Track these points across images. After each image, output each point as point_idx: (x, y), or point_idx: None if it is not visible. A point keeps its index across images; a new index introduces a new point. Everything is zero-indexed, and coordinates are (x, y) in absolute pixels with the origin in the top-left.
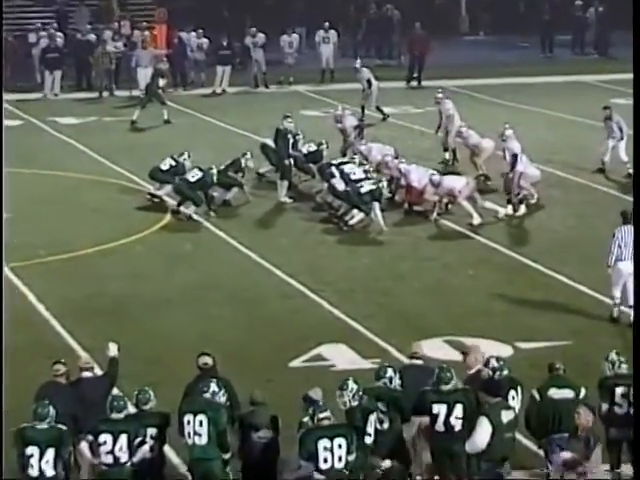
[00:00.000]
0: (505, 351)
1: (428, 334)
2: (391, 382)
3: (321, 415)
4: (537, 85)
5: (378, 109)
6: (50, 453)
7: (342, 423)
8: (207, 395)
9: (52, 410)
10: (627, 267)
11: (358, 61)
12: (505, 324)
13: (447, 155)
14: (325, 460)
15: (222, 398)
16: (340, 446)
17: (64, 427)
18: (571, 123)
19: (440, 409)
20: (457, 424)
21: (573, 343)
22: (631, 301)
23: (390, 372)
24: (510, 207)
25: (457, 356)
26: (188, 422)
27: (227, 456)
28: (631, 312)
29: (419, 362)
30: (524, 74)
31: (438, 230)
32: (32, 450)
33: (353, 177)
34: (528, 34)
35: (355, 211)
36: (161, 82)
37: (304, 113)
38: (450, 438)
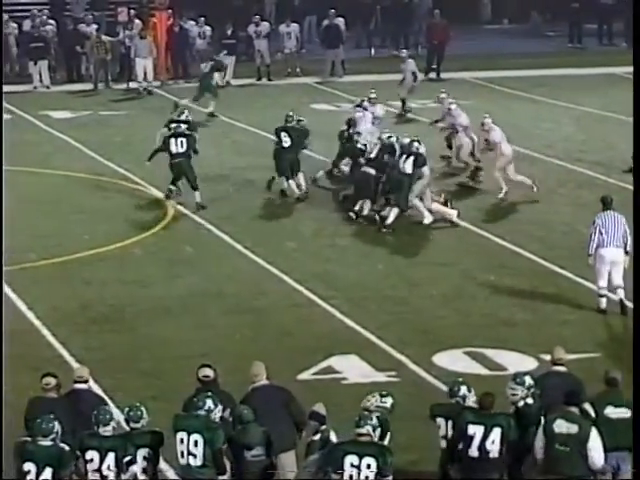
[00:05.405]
0: (529, 364)
1: (446, 345)
2: (464, 400)
3: (359, 430)
4: (565, 77)
5: (403, 102)
6: (47, 472)
7: (377, 443)
8: (202, 412)
9: (57, 426)
10: (609, 254)
11: (404, 51)
12: (529, 335)
13: (450, 152)
14: (351, 477)
15: (218, 415)
16: (369, 466)
17: (66, 447)
18: (601, 118)
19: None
20: (493, 450)
21: (603, 355)
22: (615, 285)
23: (464, 389)
24: None
25: (478, 368)
26: (181, 441)
27: (224, 477)
28: (616, 298)
29: (562, 369)
30: (550, 65)
31: (456, 233)
32: (29, 467)
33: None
34: (555, 23)
35: (389, 209)
36: (217, 76)
37: (314, 107)
38: (485, 466)
